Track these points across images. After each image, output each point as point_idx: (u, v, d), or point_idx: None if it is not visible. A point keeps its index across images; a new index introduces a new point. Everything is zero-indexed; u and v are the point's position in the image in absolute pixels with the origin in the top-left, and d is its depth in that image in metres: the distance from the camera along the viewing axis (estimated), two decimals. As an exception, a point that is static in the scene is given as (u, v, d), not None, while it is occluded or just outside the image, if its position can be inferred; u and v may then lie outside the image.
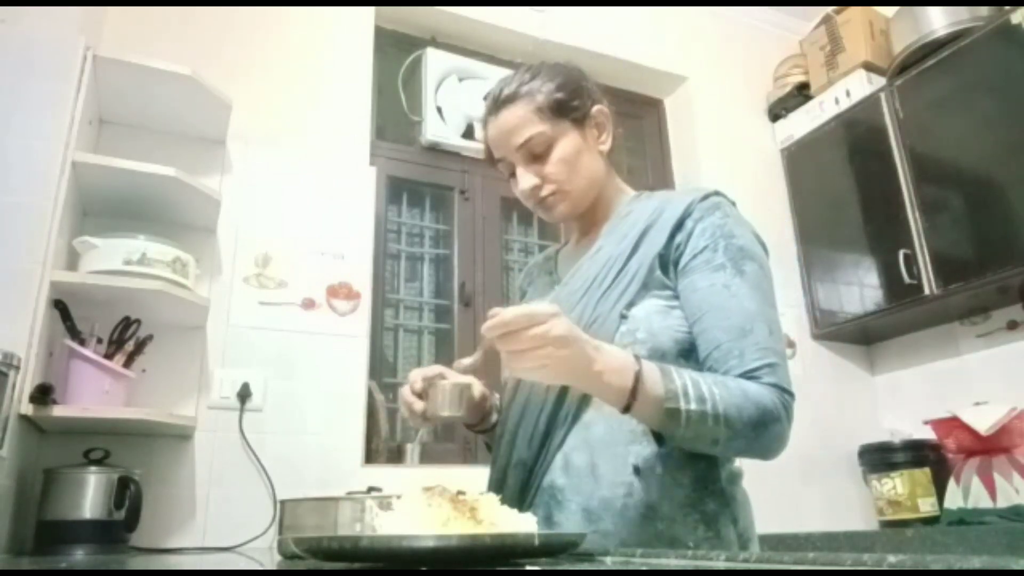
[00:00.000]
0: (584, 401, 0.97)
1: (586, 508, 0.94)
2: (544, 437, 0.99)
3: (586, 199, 1.07)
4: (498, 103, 1.05)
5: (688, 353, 0.95)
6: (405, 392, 1.01)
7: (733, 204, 1.03)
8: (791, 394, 0.91)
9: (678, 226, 0.98)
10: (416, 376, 1.01)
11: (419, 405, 0.99)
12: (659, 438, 0.91)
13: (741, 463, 1.01)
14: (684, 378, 0.86)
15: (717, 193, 1.03)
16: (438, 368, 1.03)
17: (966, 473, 2.28)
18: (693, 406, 0.84)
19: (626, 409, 0.85)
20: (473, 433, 1.18)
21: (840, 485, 2.61)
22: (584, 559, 0.69)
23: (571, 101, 1.04)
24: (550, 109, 1.03)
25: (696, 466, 0.94)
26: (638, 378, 0.84)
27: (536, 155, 1.03)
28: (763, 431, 0.88)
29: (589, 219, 1.11)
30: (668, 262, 0.98)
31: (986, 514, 2.16)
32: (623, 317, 0.95)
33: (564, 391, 0.98)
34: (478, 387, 1.09)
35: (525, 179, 1.04)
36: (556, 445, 0.98)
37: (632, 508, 0.92)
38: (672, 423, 0.85)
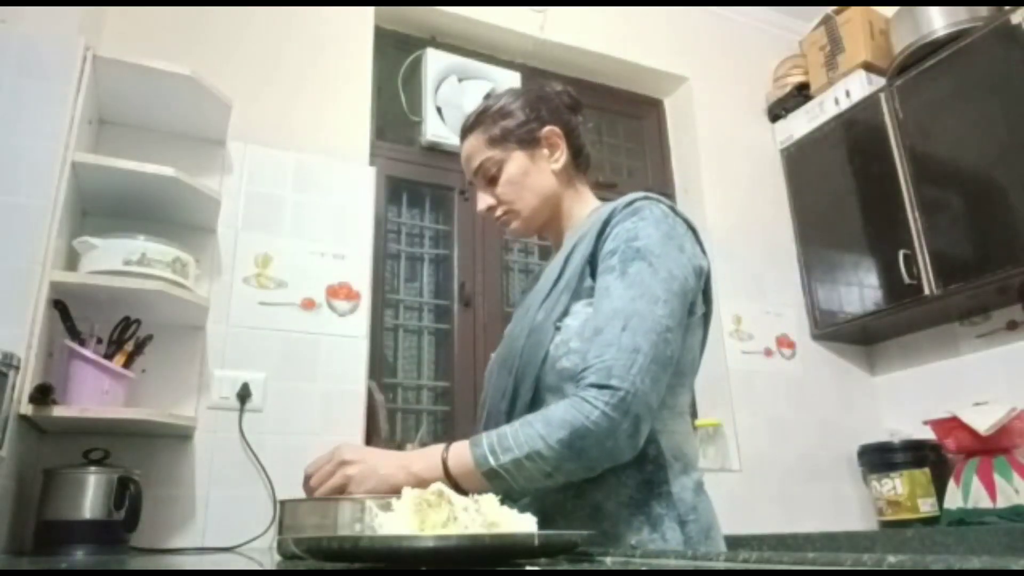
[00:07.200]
0: (533, 407, 0.96)
1: (541, 510, 0.93)
2: None
3: (539, 215, 1.13)
4: (463, 131, 1.16)
5: None
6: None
7: (668, 205, 1.01)
8: (616, 388, 0.85)
9: (601, 232, 1.01)
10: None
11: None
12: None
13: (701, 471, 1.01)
14: (491, 437, 0.89)
15: (647, 197, 1.02)
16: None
17: (966, 473, 2.28)
18: (504, 459, 0.87)
19: (455, 487, 0.84)
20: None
21: (840, 485, 2.60)
22: (584, 559, 0.69)
23: (518, 129, 1.11)
24: (500, 135, 1.11)
25: (642, 469, 0.95)
26: (444, 458, 0.90)
27: (490, 178, 1.12)
28: (581, 444, 0.86)
29: (556, 231, 1.17)
30: (596, 269, 0.99)
31: (986, 514, 2.16)
32: (556, 328, 0.97)
33: (514, 397, 0.99)
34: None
35: (480, 201, 1.15)
36: None
37: (580, 508, 0.95)
38: (497, 481, 0.88)
